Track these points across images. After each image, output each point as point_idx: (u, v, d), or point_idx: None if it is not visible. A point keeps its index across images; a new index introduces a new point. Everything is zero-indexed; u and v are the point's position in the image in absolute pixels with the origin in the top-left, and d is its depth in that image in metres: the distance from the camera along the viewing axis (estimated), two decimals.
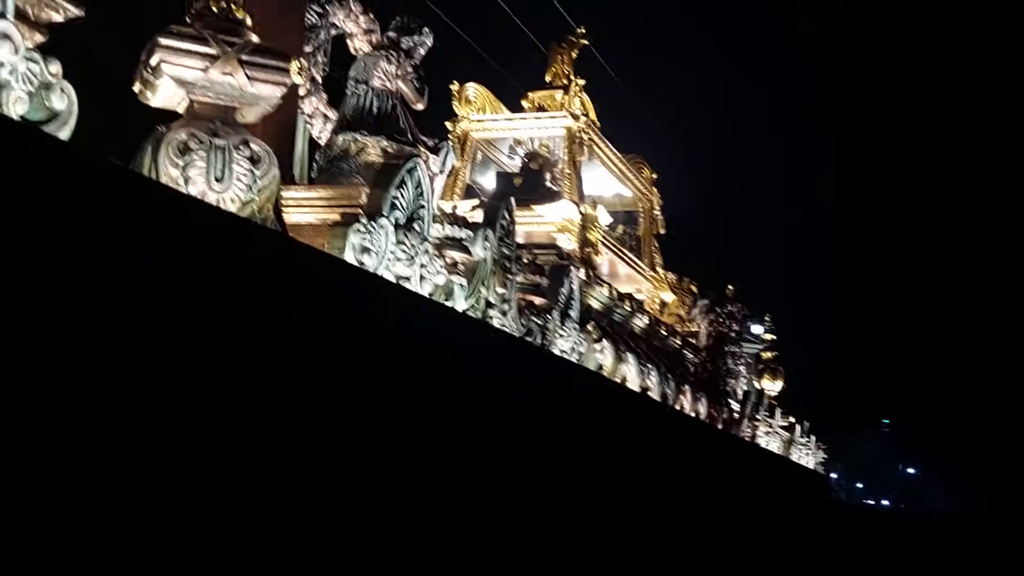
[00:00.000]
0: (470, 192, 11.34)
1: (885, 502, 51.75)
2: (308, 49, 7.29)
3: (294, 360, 4.00)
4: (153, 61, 4.21)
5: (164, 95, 4.40)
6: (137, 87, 4.46)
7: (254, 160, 4.28)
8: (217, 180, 4.19)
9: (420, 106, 6.97)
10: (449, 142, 7.24)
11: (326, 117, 7.48)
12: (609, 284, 10.27)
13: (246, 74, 4.28)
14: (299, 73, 4.40)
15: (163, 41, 4.18)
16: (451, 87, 11.33)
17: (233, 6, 4.43)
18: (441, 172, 7.05)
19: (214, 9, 4.38)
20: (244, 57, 4.28)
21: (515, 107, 11.71)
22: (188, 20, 4.38)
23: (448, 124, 11.45)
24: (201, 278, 3.57)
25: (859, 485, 54.05)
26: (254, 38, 4.38)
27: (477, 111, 11.35)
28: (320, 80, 7.51)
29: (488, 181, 12.06)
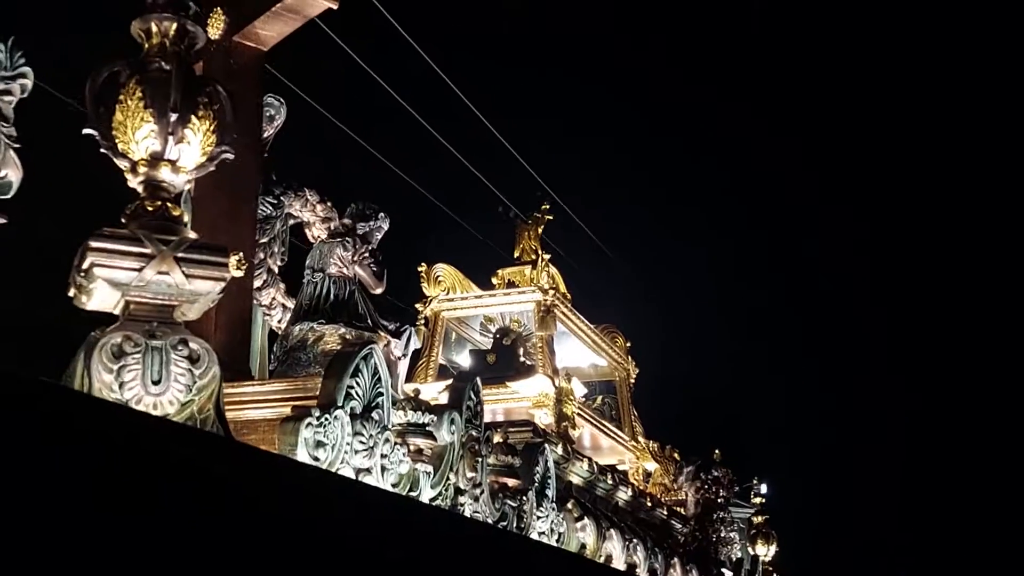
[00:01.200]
0: (444, 372, 11.18)
1: None
2: (264, 240, 7.23)
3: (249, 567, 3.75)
4: (85, 264, 4.08)
5: (99, 298, 4.25)
6: (72, 292, 4.32)
7: (192, 359, 4.11)
8: (154, 383, 4.01)
9: (379, 290, 6.88)
10: (412, 325, 7.12)
11: (284, 307, 7.38)
12: (589, 458, 10.01)
13: (183, 271, 4.15)
14: (238, 267, 4.25)
15: (94, 244, 4.06)
16: (419, 269, 11.30)
17: (169, 204, 4.33)
18: (404, 356, 6.90)
19: (149, 208, 4.28)
20: (180, 254, 4.16)
21: (487, 284, 11.68)
22: (123, 221, 4.27)
23: (419, 306, 11.37)
24: (137, 489, 3.35)
25: None
26: (191, 235, 4.27)
27: (446, 291, 11.29)
28: (277, 271, 7.44)
29: (463, 359, 11.92)
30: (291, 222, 7.69)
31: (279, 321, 7.31)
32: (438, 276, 11.32)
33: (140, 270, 4.10)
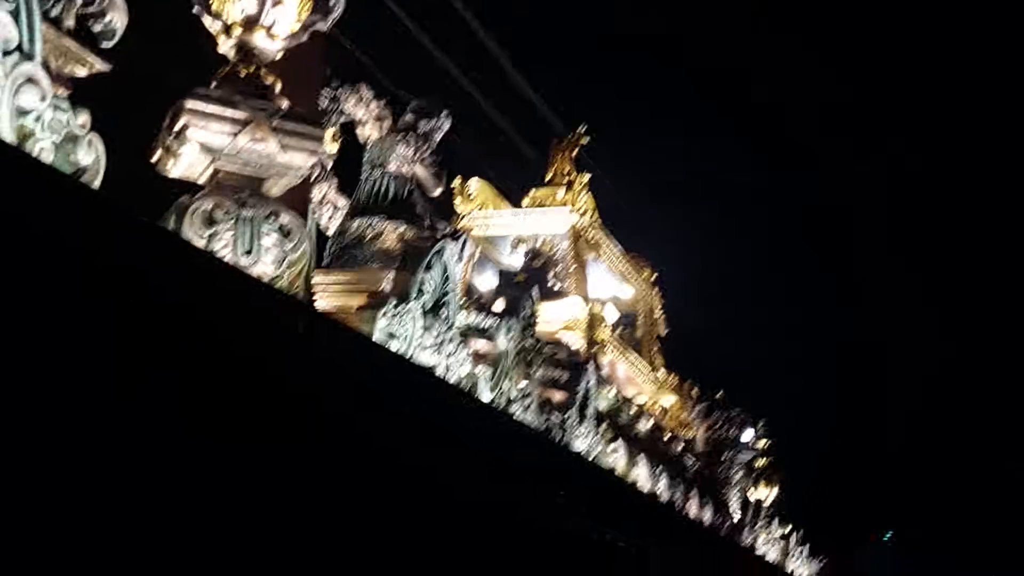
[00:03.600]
0: (467, 292, 11.03)
1: None
2: None
3: (320, 442, 3.62)
4: (177, 126, 3.89)
5: (185, 164, 4.07)
6: (156, 155, 4.13)
7: (285, 233, 3.95)
8: (245, 254, 3.85)
9: (438, 191, 6.69)
10: (466, 231, 6.95)
11: (335, 207, 7.19)
12: (615, 386, 9.92)
13: (278, 141, 3.96)
14: (335, 139, 4.07)
15: (189, 104, 3.87)
16: (451, 184, 11.09)
17: (263, 71, 4.14)
18: (460, 261, 6.74)
19: (242, 73, 4.09)
20: (276, 123, 3.97)
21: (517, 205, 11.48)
22: (215, 84, 4.08)
23: (447, 222, 11.17)
24: (229, 346, 3.21)
25: None
26: (286, 103, 4.09)
27: (479, 207, 11.09)
28: (330, 167, 7.24)
29: (484, 281, 11.76)
30: (343, 119, 7.48)
31: (329, 218, 7.13)
32: (471, 192, 11.11)
33: (235, 135, 3.91)
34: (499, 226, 11.10)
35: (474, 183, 11.06)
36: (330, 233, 6.88)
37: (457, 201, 11.06)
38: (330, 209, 7.17)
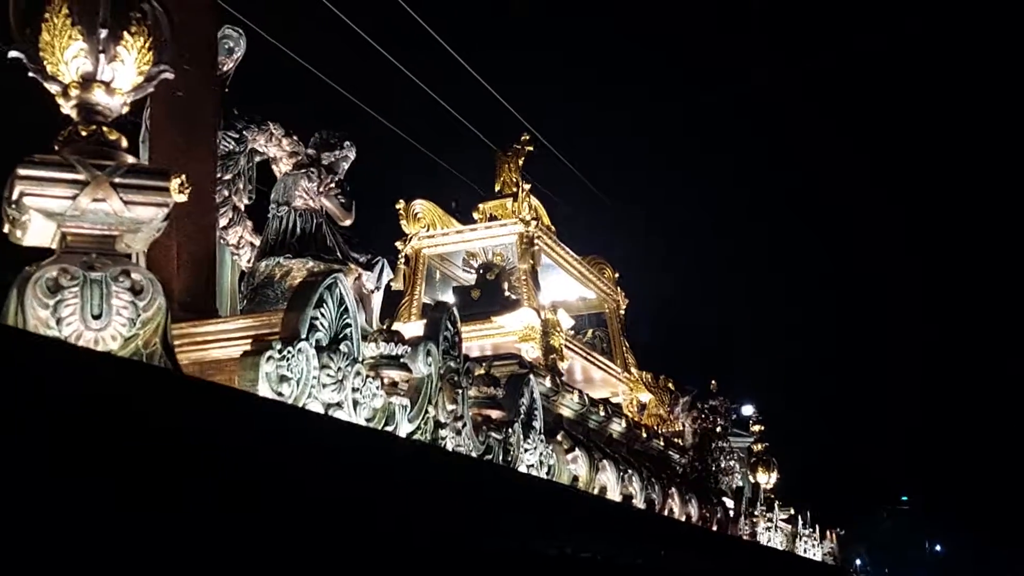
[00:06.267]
0: (427, 311, 10.93)
1: None
2: (227, 177, 6.94)
3: (209, 517, 3.50)
4: (15, 195, 3.80)
5: (35, 232, 3.98)
6: (6, 227, 4.04)
7: (136, 291, 3.84)
8: (95, 317, 3.75)
9: (348, 221, 6.60)
10: (383, 258, 6.85)
11: (253, 246, 7.10)
12: (580, 391, 9.80)
13: (121, 198, 3.86)
14: (181, 190, 3.96)
15: (23, 172, 3.78)
16: (396, 206, 11.01)
17: (104, 128, 4.04)
18: (377, 288, 6.65)
19: (83, 133, 3.99)
20: (117, 180, 3.87)
21: (468, 221, 11.39)
22: (55, 148, 3.98)
23: (398, 244, 11.10)
24: (82, 433, 3.09)
25: (886, 570, 51.92)
26: (129, 159, 3.99)
27: (426, 227, 11.00)
28: (243, 208, 7.15)
29: (447, 297, 11.68)
30: (257, 159, 7.39)
31: (248, 260, 7.04)
32: (417, 212, 11.04)
33: (74, 198, 3.82)
34: (448, 243, 11.02)
35: (418, 204, 10.98)
36: None
37: (404, 223, 10.98)
38: (248, 250, 7.07)
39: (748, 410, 19.13)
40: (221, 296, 6.75)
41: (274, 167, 7.40)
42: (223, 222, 6.85)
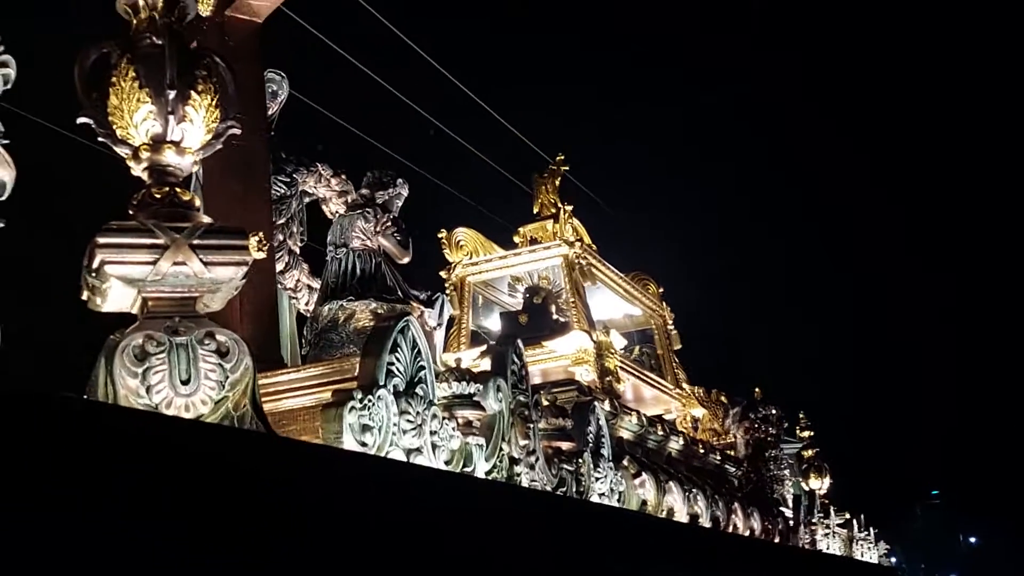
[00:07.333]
0: (476, 338, 10.86)
1: None
2: (281, 221, 6.91)
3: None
4: (95, 263, 3.76)
5: (115, 299, 3.94)
6: (85, 295, 4.00)
7: (222, 353, 3.79)
8: (183, 383, 3.70)
9: (405, 260, 6.55)
10: (444, 293, 6.79)
11: (310, 288, 7.07)
12: (637, 411, 9.69)
13: (200, 259, 3.82)
14: (259, 248, 3.92)
15: (102, 240, 3.74)
16: (439, 235, 10.95)
17: (178, 190, 4.00)
18: (439, 325, 6.59)
19: (157, 195, 3.95)
20: (195, 241, 3.83)
21: (508, 245, 11.32)
22: (130, 212, 3.95)
23: (443, 273, 11.04)
24: (179, 502, 3.04)
25: (922, 566, 51.45)
26: (205, 219, 3.95)
27: (469, 255, 10.94)
28: (298, 251, 7.12)
29: (493, 323, 11.61)
30: (307, 200, 7.37)
31: (306, 303, 7.01)
32: (459, 240, 10.97)
33: (154, 263, 3.77)
34: (492, 269, 10.95)
35: (460, 232, 10.92)
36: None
37: (447, 251, 10.92)
38: (305, 293, 7.04)
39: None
40: (282, 341, 6.72)
41: (324, 207, 7.38)
42: (279, 266, 6.83)
